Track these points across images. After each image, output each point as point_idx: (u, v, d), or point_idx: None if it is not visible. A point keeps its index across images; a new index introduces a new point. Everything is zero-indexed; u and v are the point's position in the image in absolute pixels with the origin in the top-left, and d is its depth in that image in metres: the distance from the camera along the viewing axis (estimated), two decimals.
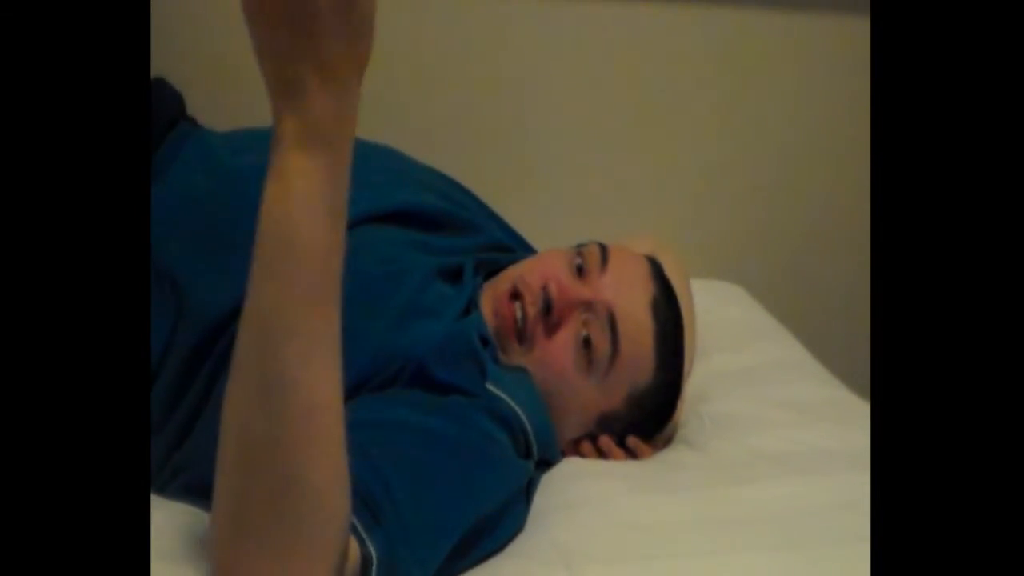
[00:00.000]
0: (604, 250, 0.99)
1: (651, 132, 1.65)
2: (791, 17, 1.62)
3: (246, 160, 0.88)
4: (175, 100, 1.14)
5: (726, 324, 1.35)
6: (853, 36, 1.59)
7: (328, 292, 0.63)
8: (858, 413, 1.07)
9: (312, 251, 0.62)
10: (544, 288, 0.94)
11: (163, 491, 0.86)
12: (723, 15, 1.60)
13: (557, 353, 0.94)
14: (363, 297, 0.84)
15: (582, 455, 0.99)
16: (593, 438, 0.99)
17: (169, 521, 0.79)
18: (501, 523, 0.81)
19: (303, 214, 0.61)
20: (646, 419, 1.00)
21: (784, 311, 1.46)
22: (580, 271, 0.97)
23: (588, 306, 0.94)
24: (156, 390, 0.86)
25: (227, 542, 0.64)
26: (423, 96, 1.56)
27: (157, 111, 1.05)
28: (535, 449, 0.90)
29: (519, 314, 0.94)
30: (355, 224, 0.88)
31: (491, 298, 0.97)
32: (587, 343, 0.93)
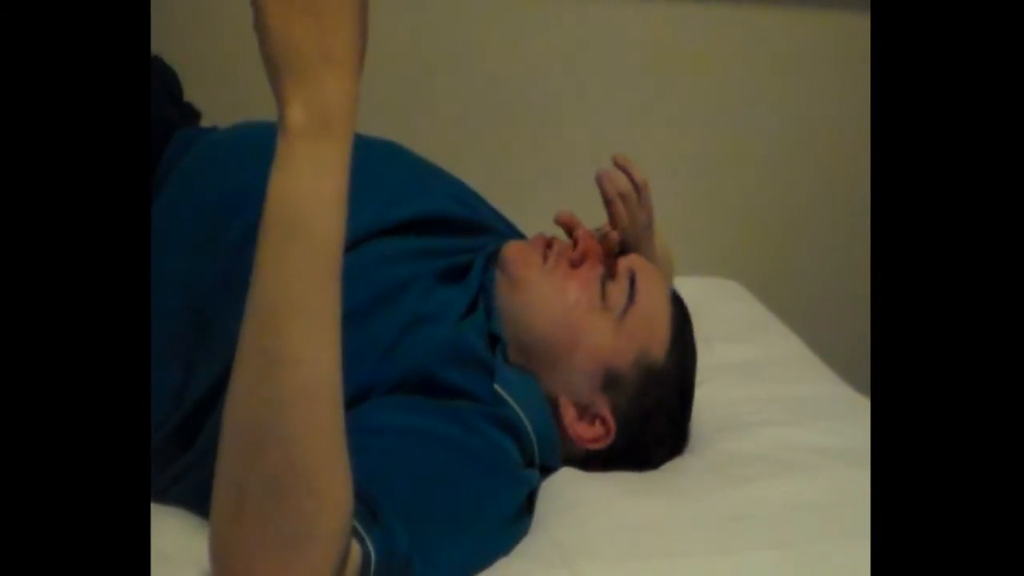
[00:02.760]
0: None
1: (649, 129, 1.65)
2: (792, 14, 1.62)
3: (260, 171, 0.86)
4: (170, 80, 1.13)
5: (724, 320, 1.35)
6: (853, 33, 1.59)
7: (333, 277, 0.65)
8: (857, 409, 1.07)
9: (319, 236, 0.64)
10: (574, 231, 0.99)
11: (162, 497, 0.86)
12: (723, 12, 1.60)
13: (577, 281, 0.94)
14: (365, 315, 0.84)
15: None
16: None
17: (169, 528, 0.79)
18: (506, 532, 0.81)
19: (311, 200, 0.64)
20: (647, 410, 0.95)
21: (783, 307, 1.47)
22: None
23: (611, 266, 0.97)
24: (172, 420, 0.86)
25: (226, 533, 0.64)
26: (425, 93, 1.56)
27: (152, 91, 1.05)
28: (537, 455, 0.89)
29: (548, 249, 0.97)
30: (361, 240, 0.89)
31: (517, 241, 1.00)
32: (605, 288, 0.94)
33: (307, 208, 0.63)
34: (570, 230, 1.00)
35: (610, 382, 0.94)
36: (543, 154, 1.64)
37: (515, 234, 1.13)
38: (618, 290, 0.95)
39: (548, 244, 0.98)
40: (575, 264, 0.96)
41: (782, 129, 1.68)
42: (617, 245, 1.02)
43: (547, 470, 0.91)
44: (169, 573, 0.74)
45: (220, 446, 0.65)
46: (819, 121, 1.68)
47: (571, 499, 0.86)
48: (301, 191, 0.63)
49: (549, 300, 0.93)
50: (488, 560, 0.78)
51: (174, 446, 0.85)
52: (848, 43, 1.62)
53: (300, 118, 0.63)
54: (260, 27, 0.63)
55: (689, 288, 1.34)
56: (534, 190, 1.60)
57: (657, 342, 0.95)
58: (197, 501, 0.80)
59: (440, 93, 1.59)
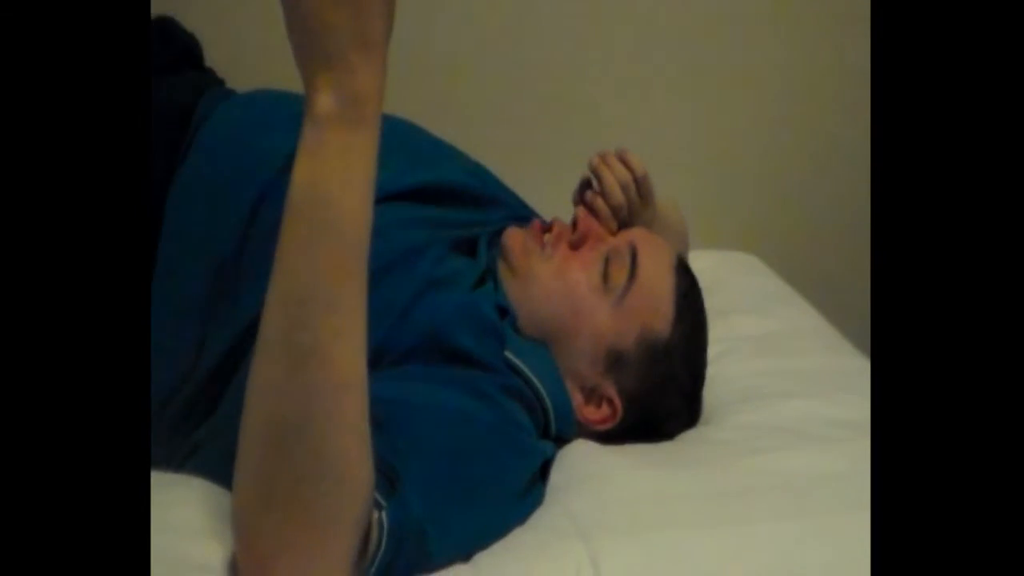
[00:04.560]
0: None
1: (663, 105, 1.64)
2: None
3: (276, 141, 0.83)
4: (190, 45, 1.11)
5: (742, 293, 1.35)
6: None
7: (360, 267, 0.64)
8: None
9: (349, 228, 0.63)
10: (573, 219, 0.98)
11: (182, 466, 0.86)
12: None
13: (577, 265, 0.94)
14: (380, 278, 0.84)
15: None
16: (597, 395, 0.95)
17: (188, 497, 0.80)
18: (520, 503, 0.81)
19: (341, 191, 0.62)
20: (655, 384, 0.94)
21: (800, 280, 1.46)
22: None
23: (614, 248, 0.95)
24: (191, 381, 0.86)
25: (251, 520, 0.65)
26: (442, 80, 1.56)
27: (171, 54, 1.03)
28: (553, 425, 0.89)
29: (547, 235, 0.97)
30: (377, 202, 0.89)
31: (520, 228, 0.99)
32: (607, 268, 0.94)
33: (337, 200, 0.62)
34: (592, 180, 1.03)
35: (614, 363, 0.93)
36: (552, 125, 1.63)
37: (525, 210, 1.13)
38: (619, 268, 0.94)
39: (546, 229, 0.98)
40: (575, 246, 0.96)
41: (799, 101, 1.67)
42: (607, 212, 1.03)
43: (563, 440, 0.91)
44: (191, 546, 0.75)
45: (243, 434, 0.65)
46: (837, 92, 1.67)
47: (586, 471, 0.86)
48: (331, 182, 0.62)
49: (548, 287, 0.94)
50: (502, 530, 0.78)
51: (192, 414, 0.86)
52: (864, 11, 1.60)
53: (330, 105, 0.61)
54: (290, 8, 0.61)
55: (706, 262, 1.34)
56: (545, 160, 1.59)
57: (660, 317, 0.94)
58: (218, 470, 0.81)
59: (455, 79, 1.58)
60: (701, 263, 1.31)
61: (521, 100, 1.61)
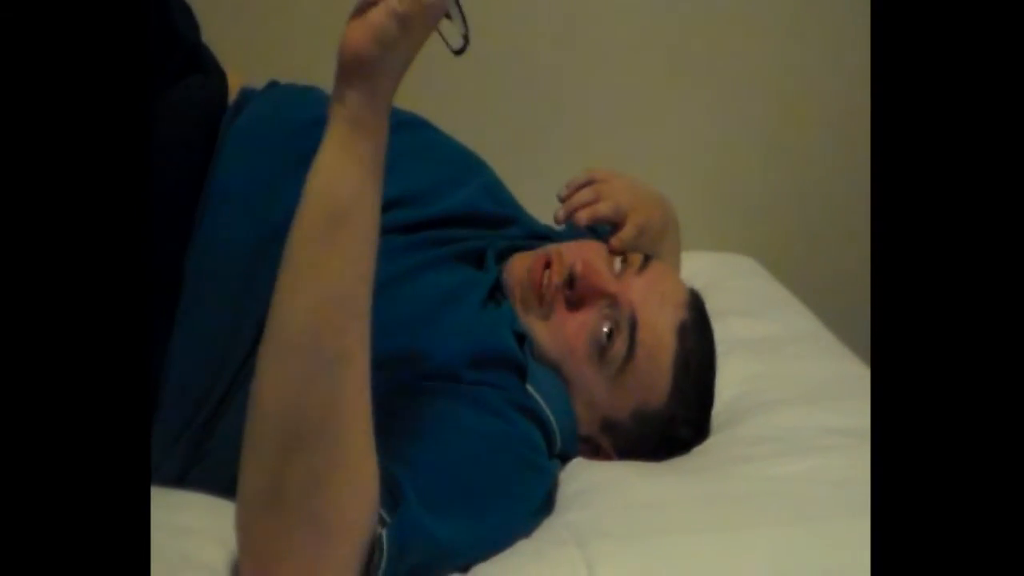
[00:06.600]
0: (647, 259, 0.96)
1: (661, 105, 1.64)
2: None
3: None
4: (187, 21, 1.04)
5: (739, 296, 1.35)
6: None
7: (372, 271, 0.67)
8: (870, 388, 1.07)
9: (369, 230, 0.67)
10: (572, 264, 0.92)
11: (183, 480, 0.85)
12: None
13: (573, 329, 0.91)
14: (386, 291, 0.84)
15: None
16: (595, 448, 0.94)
17: (193, 500, 0.80)
18: (531, 521, 0.81)
19: (366, 195, 0.66)
20: (652, 444, 0.93)
21: (797, 283, 1.46)
22: (617, 268, 0.95)
23: (612, 301, 0.91)
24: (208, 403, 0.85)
25: (257, 523, 0.65)
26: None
27: (173, 32, 0.98)
28: (558, 444, 0.89)
29: (545, 280, 0.93)
30: (398, 231, 0.89)
31: (524, 260, 0.96)
32: (606, 336, 0.89)
33: (363, 205, 0.66)
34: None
35: (608, 427, 0.93)
36: (550, 124, 1.63)
37: (538, 226, 1.12)
38: (618, 339, 0.90)
39: (547, 264, 0.93)
40: (572, 306, 0.92)
41: (798, 102, 1.67)
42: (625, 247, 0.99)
43: (564, 458, 0.91)
44: (193, 547, 0.75)
45: (252, 436, 0.65)
46: (835, 94, 1.67)
47: (582, 483, 0.86)
48: (358, 186, 0.66)
49: (545, 345, 0.91)
50: (507, 546, 0.78)
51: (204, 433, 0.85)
52: (864, 15, 1.60)
53: (356, 111, 0.65)
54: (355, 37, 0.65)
55: (703, 264, 1.35)
56: (544, 161, 1.59)
57: (656, 392, 0.91)
58: (218, 481, 0.80)
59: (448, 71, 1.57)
60: (699, 265, 1.32)
61: (516, 101, 1.61)
